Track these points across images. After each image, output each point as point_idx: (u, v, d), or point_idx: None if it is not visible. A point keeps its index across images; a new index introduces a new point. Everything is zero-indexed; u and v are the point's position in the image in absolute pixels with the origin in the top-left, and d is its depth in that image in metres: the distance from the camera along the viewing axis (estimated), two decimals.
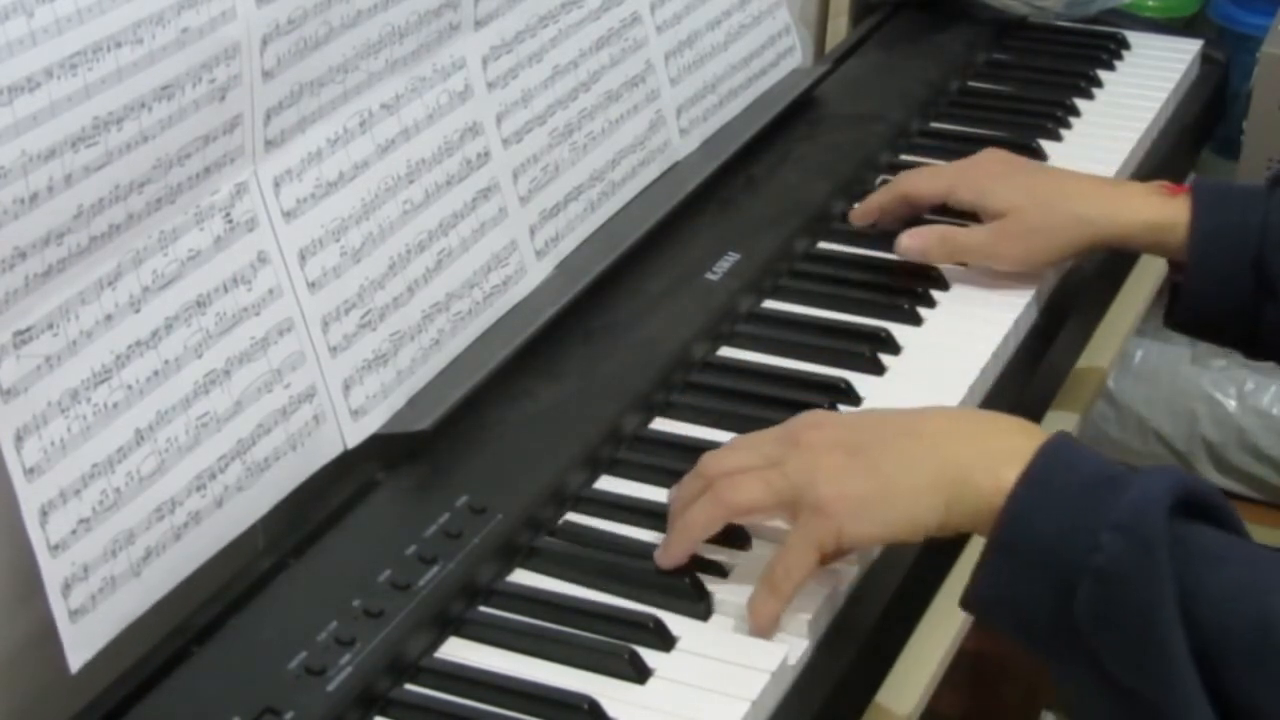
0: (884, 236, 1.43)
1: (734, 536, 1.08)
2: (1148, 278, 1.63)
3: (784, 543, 1.03)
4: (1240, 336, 1.34)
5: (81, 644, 0.96)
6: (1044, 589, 0.94)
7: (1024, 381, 1.33)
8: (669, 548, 1.06)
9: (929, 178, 1.42)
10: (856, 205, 1.44)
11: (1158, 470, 0.96)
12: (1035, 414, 1.40)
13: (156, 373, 1.01)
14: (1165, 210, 1.32)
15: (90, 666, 0.96)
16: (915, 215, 1.42)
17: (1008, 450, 0.99)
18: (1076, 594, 0.93)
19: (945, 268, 1.39)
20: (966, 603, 1.00)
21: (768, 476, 1.03)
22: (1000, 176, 1.38)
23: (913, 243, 1.37)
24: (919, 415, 1.06)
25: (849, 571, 1.08)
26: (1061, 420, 1.43)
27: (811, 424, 1.06)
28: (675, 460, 1.14)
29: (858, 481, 1.01)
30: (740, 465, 1.05)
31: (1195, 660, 0.90)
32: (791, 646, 1.02)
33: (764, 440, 1.07)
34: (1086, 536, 0.93)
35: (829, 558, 1.03)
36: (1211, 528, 0.95)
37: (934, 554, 1.07)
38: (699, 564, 1.06)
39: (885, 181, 1.53)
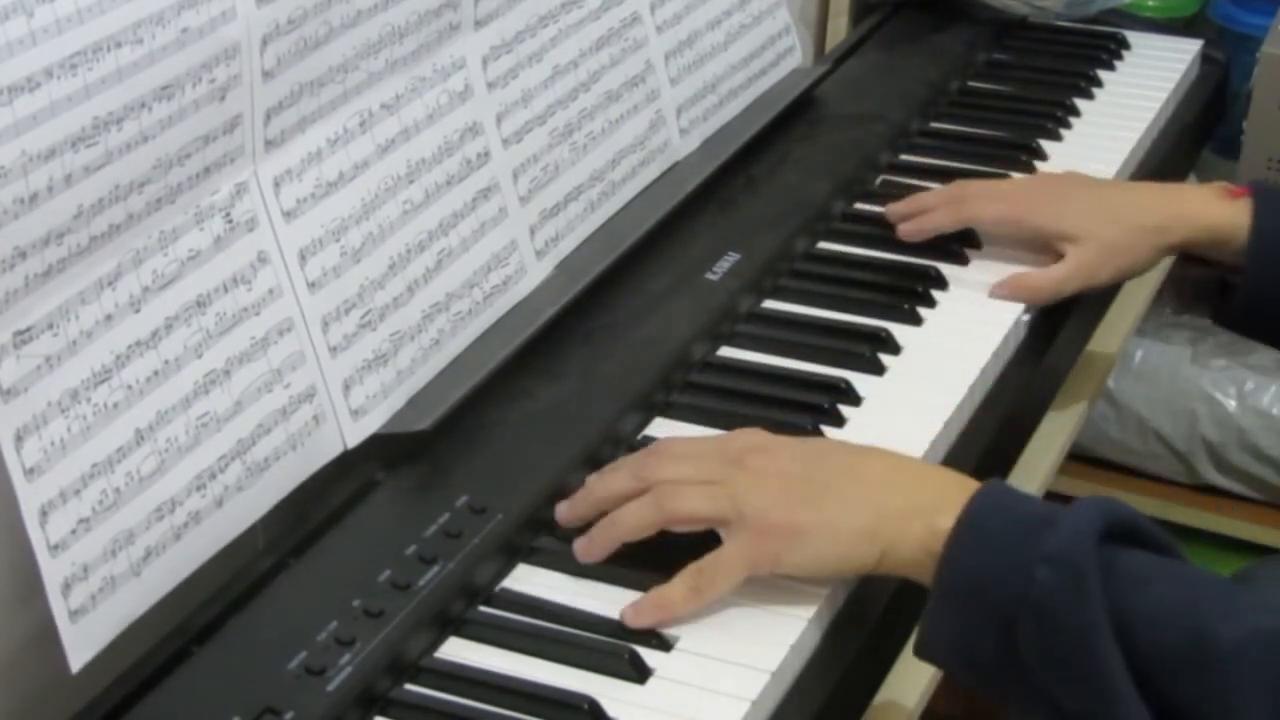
0: (883, 237, 1.43)
1: None
2: (1148, 277, 1.63)
3: (720, 550, 1.03)
4: None
5: (82, 644, 0.96)
6: (988, 630, 0.97)
7: (1024, 381, 1.33)
8: (593, 542, 1.06)
9: (995, 204, 1.40)
10: (908, 223, 1.42)
11: (1086, 502, 0.98)
12: (1034, 415, 1.40)
13: (156, 373, 1.01)
14: (1227, 214, 1.35)
15: (90, 666, 0.96)
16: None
17: (942, 500, 1.01)
18: (1018, 631, 0.95)
19: (945, 267, 1.39)
20: (919, 649, 1.02)
21: (712, 491, 1.04)
22: (1067, 198, 1.39)
23: (1006, 293, 1.36)
24: (862, 456, 1.07)
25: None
26: (1058, 427, 1.44)
27: (756, 448, 1.07)
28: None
29: (802, 513, 1.03)
30: (682, 475, 1.06)
31: (1137, 680, 0.92)
32: (792, 646, 1.02)
33: (705, 453, 1.08)
34: (1021, 573, 0.95)
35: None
36: (1141, 551, 0.97)
37: None
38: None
39: (885, 182, 1.54)
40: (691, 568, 1.03)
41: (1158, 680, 0.92)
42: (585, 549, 1.07)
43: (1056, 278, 1.37)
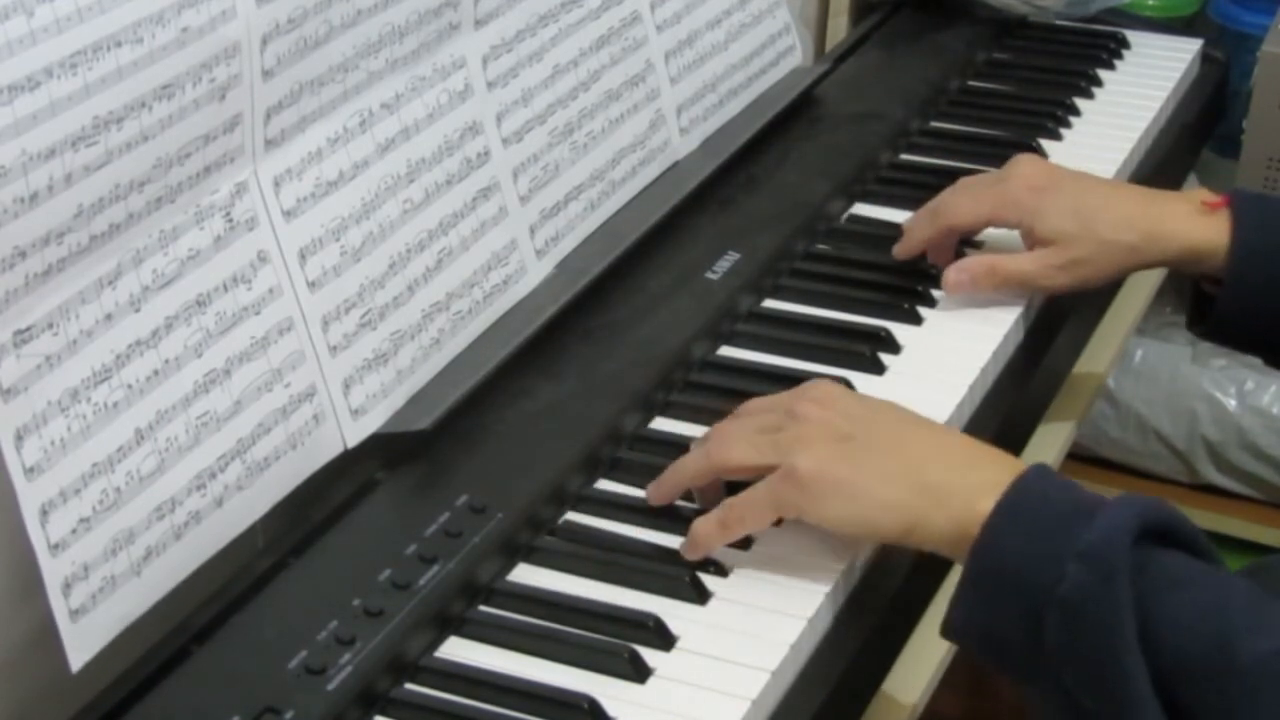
0: (883, 239, 1.43)
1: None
2: (1147, 278, 1.63)
3: (751, 489, 1.07)
4: (1266, 348, 1.36)
5: (82, 644, 0.96)
6: (1015, 617, 0.97)
7: (1023, 381, 1.33)
8: (659, 486, 1.12)
9: (970, 204, 1.37)
10: (898, 244, 1.39)
11: (1126, 499, 0.98)
12: (1034, 415, 1.40)
13: (156, 372, 1.01)
14: (1207, 232, 1.31)
15: (90, 666, 0.96)
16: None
17: (986, 482, 1.01)
18: (1044, 623, 0.95)
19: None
20: (946, 630, 1.03)
21: (758, 441, 1.08)
22: (1042, 194, 1.34)
23: (961, 278, 1.34)
24: (914, 428, 1.08)
25: (849, 571, 1.08)
26: (1058, 427, 1.43)
27: (815, 399, 1.09)
28: (675, 459, 1.14)
29: (834, 469, 1.04)
30: (740, 426, 1.10)
31: (1157, 684, 0.92)
32: (793, 645, 1.02)
33: (770, 406, 1.11)
34: (1053, 566, 0.95)
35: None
36: (1178, 553, 0.98)
37: (933, 558, 1.08)
38: (699, 562, 1.07)
39: (884, 179, 1.54)
40: (725, 503, 1.07)
41: (1177, 686, 0.92)
42: (652, 492, 1.12)
43: (1009, 272, 1.34)
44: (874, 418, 1.08)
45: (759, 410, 1.11)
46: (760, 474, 1.07)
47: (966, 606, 1.00)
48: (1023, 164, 1.39)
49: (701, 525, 1.07)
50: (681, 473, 1.11)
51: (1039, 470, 1.02)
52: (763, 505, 1.06)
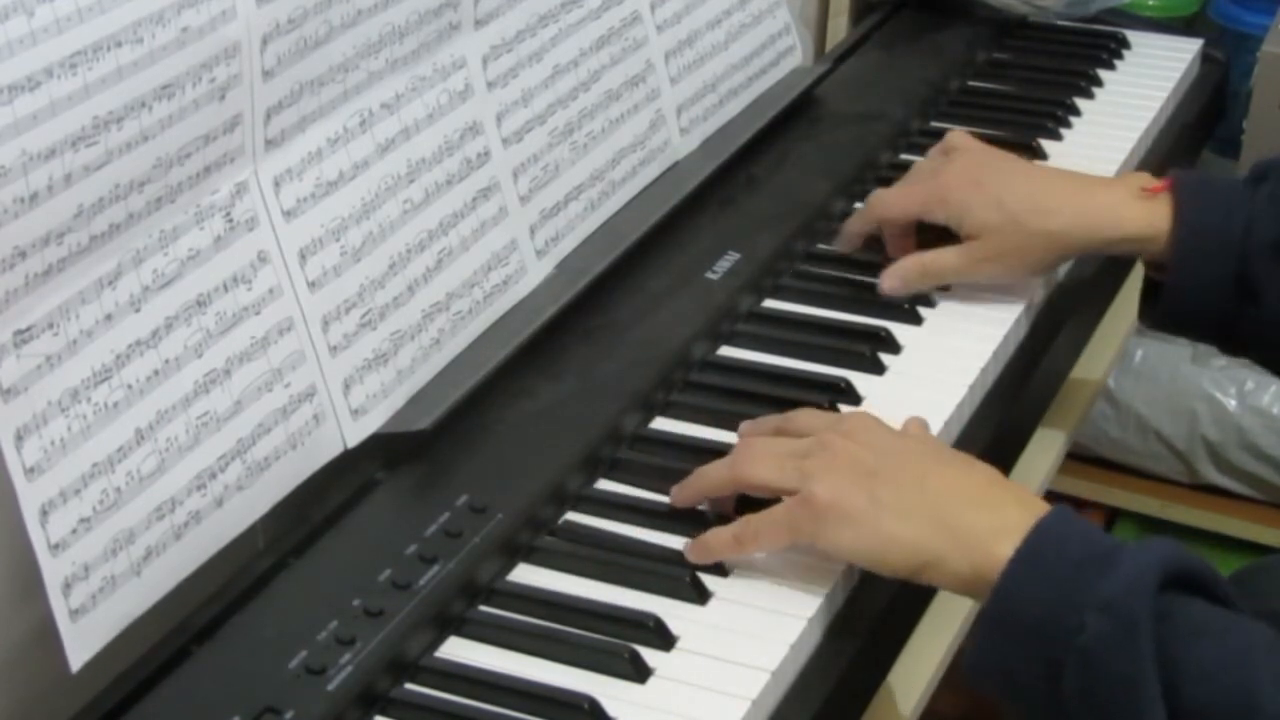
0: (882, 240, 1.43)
1: None
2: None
3: (770, 510, 1.07)
4: (1218, 334, 1.33)
5: (82, 643, 0.96)
6: (1034, 665, 0.96)
7: (1023, 382, 1.33)
8: (682, 489, 1.12)
9: (901, 201, 1.38)
10: (837, 237, 1.41)
11: (1148, 545, 0.97)
12: (1033, 416, 1.40)
13: (157, 372, 1.01)
14: (1144, 217, 1.30)
15: (90, 666, 0.96)
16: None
17: (1006, 525, 1.00)
18: (1064, 671, 0.94)
19: None
20: (965, 672, 1.02)
21: (782, 463, 1.07)
22: (971, 190, 1.34)
23: (894, 283, 1.34)
24: (937, 465, 1.07)
25: (849, 571, 1.08)
26: (1053, 434, 1.43)
27: (845, 432, 1.08)
28: (675, 460, 1.15)
29: (851, 499, 1.04)
30: (771, 444, 1.10)
31: None
32: (792, 646, 1.02)
33: (807, 426, 1.11)
34: (1073, 615, 0.95)
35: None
36: (1199, 600, 0.96)
37: None
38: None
39: (884, 179, 1.54)
40: (741, 519, 1.07)
41: None
42: (675, 495, 1.12)
43: (939, 268, 1.34)
44: (902, 453, 1.07)
45: (796, 430, 1.11)
46: (780, 495, 1.07)
47: (986, 651, 0.99)
48: (955, 159, 1.39)
49: (715, 536, 1.07)
50: (704, 480, 1.11)
51: (1059, 514, 1.01)
52: (779, 527, 1.06)
